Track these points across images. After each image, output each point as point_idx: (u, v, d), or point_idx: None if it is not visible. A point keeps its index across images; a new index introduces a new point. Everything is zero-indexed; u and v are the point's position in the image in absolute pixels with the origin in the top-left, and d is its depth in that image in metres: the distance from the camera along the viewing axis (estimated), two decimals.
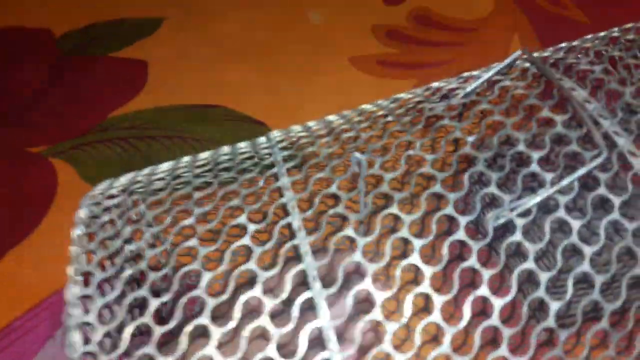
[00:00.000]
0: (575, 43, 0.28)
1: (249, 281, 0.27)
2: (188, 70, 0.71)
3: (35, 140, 0.62)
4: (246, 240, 0.22)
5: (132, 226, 0.27)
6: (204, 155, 0.31)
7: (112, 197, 0.28)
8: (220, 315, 0.26)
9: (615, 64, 0.27)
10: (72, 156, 0.58)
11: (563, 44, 0.28)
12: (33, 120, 0.66)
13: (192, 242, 0.22)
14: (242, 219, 0.24)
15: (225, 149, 0.32)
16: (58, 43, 0.80)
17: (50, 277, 0.47)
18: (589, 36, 0.29)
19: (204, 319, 0.19)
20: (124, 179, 0.30)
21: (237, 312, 0.19)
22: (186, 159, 0.32)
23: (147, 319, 0.20)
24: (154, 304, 0.20)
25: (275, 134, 0.31)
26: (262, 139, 0.31)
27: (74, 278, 0.23)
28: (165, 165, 0.31)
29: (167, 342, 0.26)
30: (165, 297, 0.20)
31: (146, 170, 0.30)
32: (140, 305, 0.31)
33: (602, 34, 0.28)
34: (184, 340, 0.19)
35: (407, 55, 0.71)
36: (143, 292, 0.21)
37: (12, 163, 0.59)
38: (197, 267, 0.20)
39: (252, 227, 0.23)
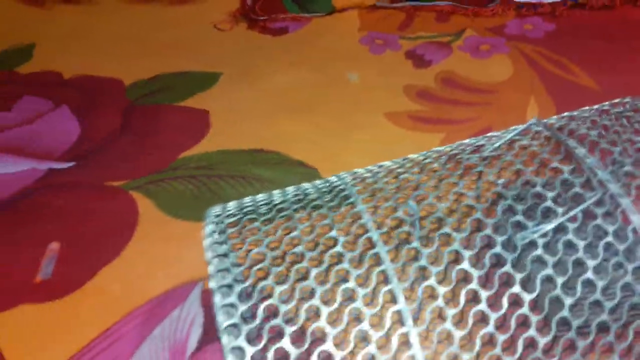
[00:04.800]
0: (575, 113, 0.37)
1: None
2: (245, 119, 0.81)
3: (113, 176, 0.72)
4: (339, 248, 0.31)
5: (251, 237, 0.36)
6: (291, 189, 0.41)
7: (230, 215, 0.37)
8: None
9: (608, 129, 0.36)
10: (148, 190, 0.68)
11: (565, 113, 0.37)
12: (109, 160, 0.76)
13: (298, 249, 0.31)
14: (333, 233, 0.33)
15: (307, 185, 0.41)
16: (127, 92, 0.92)
17: (136, 292, 0.55)
18: (586, 108, 0.38)
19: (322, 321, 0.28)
20: (232, 204, 0.39)
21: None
22: (277, 192, 0.41)
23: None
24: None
25: (345, 174, 0.40)
26: (334, 178, 0.40)
27: (218, 290, 0.31)
28: (261, 196, 0.40)
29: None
30: (291, 304, 0.29)
31: (248, 199, 0.40)
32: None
33: (595, 106, 0.37)
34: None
35: (436, 112, 0.81)
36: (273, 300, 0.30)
37: (96, 196, 0.69)
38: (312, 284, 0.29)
39: (341, 239, 0.32)
